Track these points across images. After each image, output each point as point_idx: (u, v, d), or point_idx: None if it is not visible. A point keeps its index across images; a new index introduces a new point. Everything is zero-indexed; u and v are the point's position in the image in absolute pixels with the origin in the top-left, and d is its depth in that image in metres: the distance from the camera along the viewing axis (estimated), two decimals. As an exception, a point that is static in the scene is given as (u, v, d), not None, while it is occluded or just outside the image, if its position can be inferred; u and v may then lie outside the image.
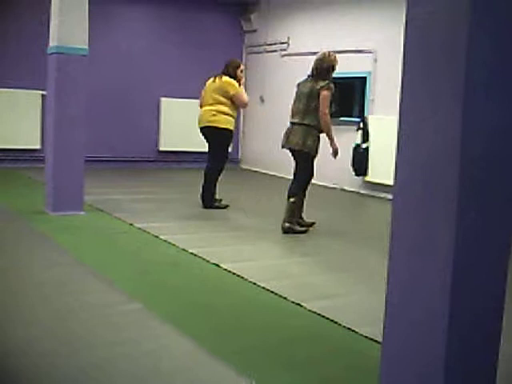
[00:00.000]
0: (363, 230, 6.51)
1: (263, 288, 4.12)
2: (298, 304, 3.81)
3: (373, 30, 8.97)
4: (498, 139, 2.09)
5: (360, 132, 8.84)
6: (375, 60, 8.94)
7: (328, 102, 5.81)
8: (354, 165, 8.88)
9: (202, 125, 7.19)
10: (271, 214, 6.95)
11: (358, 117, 9.15)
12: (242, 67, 7.29)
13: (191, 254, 4.93)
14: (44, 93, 8.42)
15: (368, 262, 5.06)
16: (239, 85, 7.13)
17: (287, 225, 5.89)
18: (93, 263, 4.51)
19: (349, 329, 3.43)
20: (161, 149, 10.97)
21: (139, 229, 5.75)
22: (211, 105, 7.08)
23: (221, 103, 7.02)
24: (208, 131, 7.14)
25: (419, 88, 2.16)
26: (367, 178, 8.90)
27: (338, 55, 6.13)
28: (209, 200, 7.08)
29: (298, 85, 6.15)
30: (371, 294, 4.08)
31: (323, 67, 5.93)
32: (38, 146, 9.68)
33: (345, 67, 6.11)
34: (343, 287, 4.34)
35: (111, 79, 10.41)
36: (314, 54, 9.91)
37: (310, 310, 3.71)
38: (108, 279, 4.14)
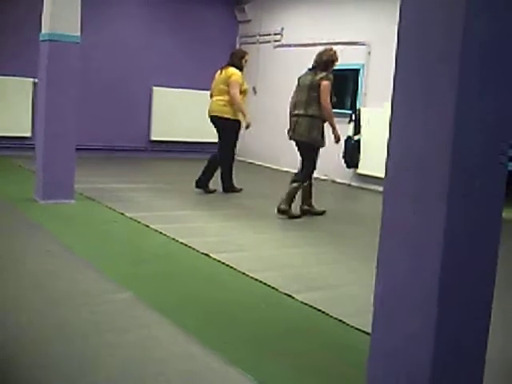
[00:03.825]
0: (355, 221, 6.52)
1: (253, 278, 4.12)
2: (289, 295, 3.82)
3: (367, 23, 8.96)
4: (491, 132, 2.09)
5: (352, 124, 8.84)
6: (369, 53, 8.93)
7: (328, 92, 6.08)
8: (345, 157, 8.89)
9: (211, 114, 7.45)
10: (264, 205, 6.95)
11: (350, 109, 9.15)
12: (247, 57, 7.53)
13: (182, 243, 4.92)
14: (35, 80, 8.37)
15: (360, 253, 5.07)
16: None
17: (283, 207, 6.11)
18: (83, 252, 4.49)
19: (339, 320, 3.44)
20: (152, 138, 10.93)
21: (130, 218, 5.73)
22: (220, 95, 7.34)
23: (228, 93, 7.26)
24: (217, 121, 7.41)
25: (412, 81, 2.15)
26: (358, 170, 8.91)
27: (336, 49, 6.39)
28: (204, 185, 7.37)
29: (299, 78, 6.41)
30: (363, 285, 4.09)
31: (322, 60, 6.23)
32: (28, 134, 9.62)
33: (338, 59, 6.23)
34: (335, 278, 4.35)
35: (103, 67, 10.35)
36: (308, 45, 9.95)
37: (301, 302, 3.71)
38: (98, 268, 4.12)
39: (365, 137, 8.73)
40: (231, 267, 4.35)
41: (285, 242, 5.38)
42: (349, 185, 9.15)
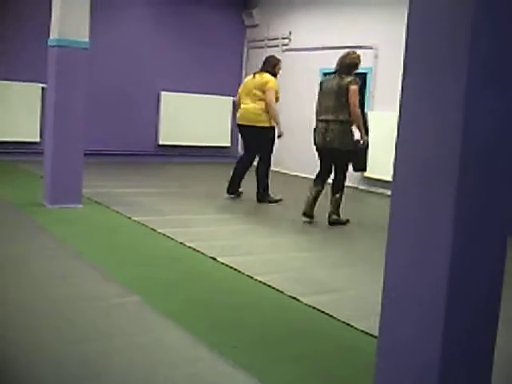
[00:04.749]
0: (362, 225, 6.51)
1: (260, 282, 4.12)
2: (295, 298, 3.82)
3: (374, 26, 8.96)
4: (499, 135, 2.09)
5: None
6: (376, 56, 8.93)
7: (357, 96, 5.99)
8: (353, 160, 8.85)
9: (245, 123, 7.21)
10: (270, 208, 6.96)
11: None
12: (280, 65, 7.36)
13: (189, 247, 4.93)
14: (44, 85, 8.40)
15: (368, 256, 5.06)
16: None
17: (334, 217, 6.16)
18: (90, 256, 4.51)
19: (346, 323, 3.44)
20: (160, 143, 10.96)
21: (137, 222, 5.75)
22: (252, 102, 7.12)
23: (261, 99, 7.07)
24: (250, 130, 7.19)
25: (420, 84, 2.15)
26: (366, 174, 8.89)
27: (359, 54, 6.28)
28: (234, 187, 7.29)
29: (322, 83, 6.31)
30: (370, 288, 4.08)
31: (345, 63, 6.11)
32: (37, 139, 9.66)
33: (361, 62, 6.18)
34: (341, 281, 4.34)
35: (112, 72, 10.39)
36: (316, 49, 9.96)
37: (307, 305, 3.71)
38: (105, 272, 4.14)
39: (372, 140, 8.71)
40: (238, 271, 4.35)
41: (291, 245, 5.38)
42: (356, 188, 9.13)
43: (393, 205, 2.27)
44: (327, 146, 6.13)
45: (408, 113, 2.21)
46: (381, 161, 8.41)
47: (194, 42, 11.12)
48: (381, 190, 8.57)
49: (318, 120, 6.21)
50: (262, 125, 7.07)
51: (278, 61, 7.32)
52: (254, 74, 7.31)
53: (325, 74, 9.75)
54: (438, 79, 2.08)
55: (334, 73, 6.17)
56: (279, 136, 7.19)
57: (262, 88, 7.05)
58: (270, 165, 7.27)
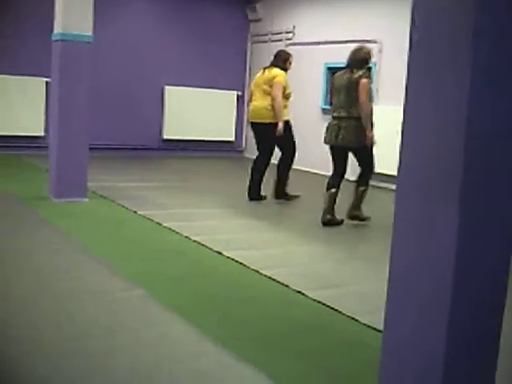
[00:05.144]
0: (368, 220, 6.50)
1: (266, 276, 4.12)
2: (301, 292, 3.82)
3: (378, 20, 8.94)
4: (501, 133, 2.09)
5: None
6: (380, 50, 8.91)
7: (367, 91, 5.79)
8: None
9: (255, 120, 7.07)
10: (275, 202, 6.96)
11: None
12: (292, 59, 7.17)
13: (194, 241, 4.93)
14: (48, 80, 8.42)
15: (372, 251, 5.07)
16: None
17: (355, 212, 6.04)
18: (95, 249, 4.52)
19: (352, 318, 3.44)
20: (165, 137, 10.96)
21: (142, 216, 5.76)
22: (262, 98, 6.96)
23: (270, 95, 6.88)
24: (261, 128, 7.01)
25: (422, 84, 2.15)
26: (371, 168, 8.88)
27: (371, 48, 6.12)
28: (255, 193, 7.03)
29: (333, 78, 6.16)
30: (375, 282, 4.08)
31: (357, 58, 5.93)
32: (42, 133, 9.68)
33: (372, 57, 6.08)
34: (347, 276, 4.35)
35: (115, 67, 10.39)
36: (320, 43, 9.94)
37: (312, 299, 3.72)
38: (110, 266, 4.15)
39: (377, 135, 8.70)
40: (243, 265, 4.36)
41: (296, 239, 5.38)
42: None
43: (397, 202, 2.27)
44: (341, 144, 5.91)
45: (411, 112, 2.21)
46: (386, 155, 8.40)
47: (198, 37, 11.11)
48: (386, 185, 8.56)
49: (332, 117, 6.04)
50: (271, 121, 6.87)
51: (289, 55, 7.14)
52: (264, 68, 7.15)
53: (329, 69, 9.78)
54: (440, 79, 2.08)
55: (345, 67, 6.00)
56: (278, 133, 6.93)
57: (270, 83, 6.90)
58: (268, 163, 7.05)
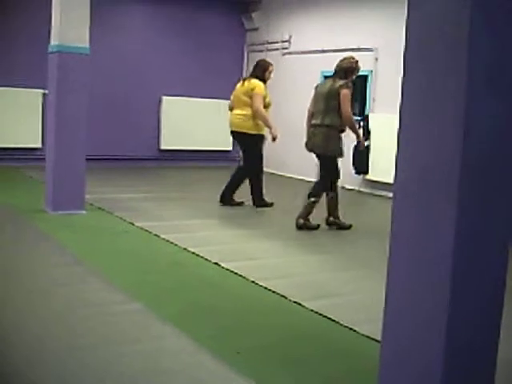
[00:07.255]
0: (364, 228, 6.50)
1: (263, 287, 4.12)
2: (298, 303, 3.82)
3: (374, 29, 8.97)
4: (499, 137, 2.09)
5: (360, 130, 8.82)
6: (376, 58, 8.94)
7: (349, 101, 5.82)
8: (354, 163, 8.88)
9: (232, 129, 7.26)
10: (271, 212, 6.96)
11: (358, 115, 9.15)
12: (271, 68, 7.20)
13: (192, 253, 4.93)
14: (45, 91, 8.42)
15: (369, 259, 5.06)
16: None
17: (301, 221, 6.00)
18: (93, 262, 4.52)
19: (349, 328, 3.43)
20: (162, 147, 10.96)
21: (140, 228, 5.75)
22: (240, 108, 7.07)
23: (248, 106, 6.98)
24: (238, 136, 7.24)
25: (420, 87, 2.16)
26: (367, 176, 8.90)
27: (358, 59, 6.14)
28: (227, 199, 7.16)
29: (317, 87, 6.22)
30: (373, 292, 4.08)
31: (342, 67, 5.98)
32: (38, 145, 9.67)
33: (359, 69, 6.10)
34: (344, 286, 4.34)
35: (112, 78, 10.40)
36: (316, 52, 9.96)
37: (310, 309, 3.71)
38: (108, 278, 4.14)
39: (374, 143, 8.73)
40: (241, 276, 4.36)
41: (293, 250, 5.37)
42: (358, 191, 9.13)
43: (394, 209, 2.27)
44: (313, 150, 6.09)
45: (408, 117, 2.21)
46: (382, 163, 8.42)
47: (195, 46, 11.13)
48: (383, 193, 8.57)
49: (309, 125, 6.13)
50: (245, 131, 7.02)
51: (269, 64, 7.18)
52: (244, 80, 7.24)
53: (325, 77, 9.80)
54: (438, 82, 2.09)
55: (332, 76, 6.07)
56: (273, 139, 7.06)
57: (249, 94, 6.96)
58: (260, 171, 7.13)
